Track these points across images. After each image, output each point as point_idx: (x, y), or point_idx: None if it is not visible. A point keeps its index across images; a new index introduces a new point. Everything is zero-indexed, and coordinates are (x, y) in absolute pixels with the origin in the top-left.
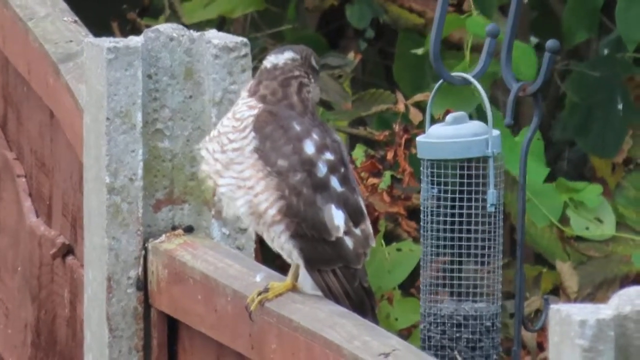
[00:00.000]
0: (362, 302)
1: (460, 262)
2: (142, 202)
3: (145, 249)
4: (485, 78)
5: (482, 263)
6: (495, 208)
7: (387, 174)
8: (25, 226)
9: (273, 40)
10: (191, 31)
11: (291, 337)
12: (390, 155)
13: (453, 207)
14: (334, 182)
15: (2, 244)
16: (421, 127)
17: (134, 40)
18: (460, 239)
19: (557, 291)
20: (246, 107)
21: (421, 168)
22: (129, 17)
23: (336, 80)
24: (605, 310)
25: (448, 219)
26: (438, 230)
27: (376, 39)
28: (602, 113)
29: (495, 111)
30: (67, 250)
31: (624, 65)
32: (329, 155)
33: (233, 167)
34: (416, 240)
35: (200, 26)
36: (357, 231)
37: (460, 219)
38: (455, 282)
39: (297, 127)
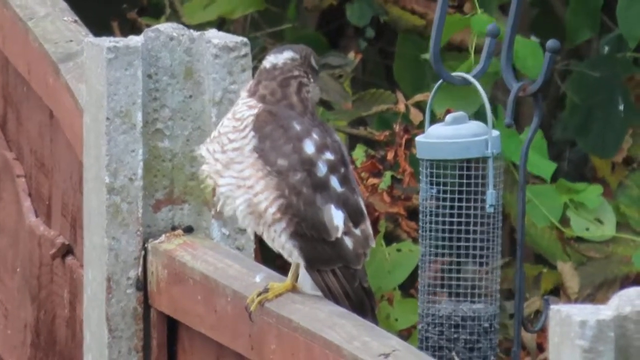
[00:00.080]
0: (361, 302)
1: (458, 263)
2: (141, 202)
3: (145, 249)
4: (486, 78)
5: (481, 264)
6: (494, 209)
7: (388, 174)
8: (25, 226)
9: (273, 39)
10: (191, 31)
11: (291, 337)
12: (390, 156)
13: (452, 207)
14: (334, 182)
15: (1, 244)
16: (421, 127)
17: (134, 40)
18: (459, 239)
19: (557, 291)
20: (246, 107)
21: (420, 168)
22: (129, 16)
23: (336, 80)
24: (606, 311)
25: (447, 219)
26: (437, 231)
27: (376, 38)
28: (602, 113)
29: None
30: (67, 251)
31: (625, 64)
32: (329, 155)
33: (233, 166)
34: (416, 240)
35: (200, 26)
36: (357, 231)
37: (459, 220)
38: (453, 282)
39: (297, 127)
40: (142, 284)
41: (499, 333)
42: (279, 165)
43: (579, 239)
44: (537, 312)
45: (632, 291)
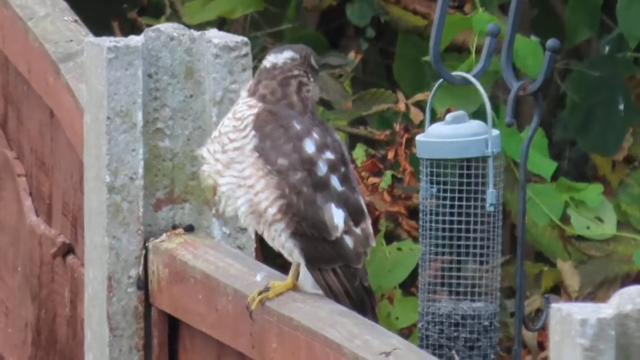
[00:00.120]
0: (362, 301)
1: (458, 262)
2: (142, 202)
3: (146, 248)
4: (486, 77)
5: (481, 262)
6: (495, 208)
7: (388, 173)
8: (26, 225)
9: (273, 39)
10: (192, 30)
11: (292, 336)
12: (390, 155)
13: (452, 206)
14: (334, 181)
15: (2, 243)
16: (422, 126)
17: (135, 40)
18: (459, 238)
19: (558, 289)
20: (246, 107)
21: (420, 167)
22: (130, 16)
23: (337, 80)
24: (606, 309)
25: (447, 218)
26: (437, 230)
27: (377, 38)
28: (602, 112)
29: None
30: (68, 250)
31: (625, 64)
32: (329, 155)
33: (234, 166)
34: (416, 239)
35: (200, 25)
36: (358, 230)
37: (460, 219)
38: (453, 281)
39: (297, 126)
40: (143, 283)
41: (499, 331)
42: (279, 164)
43: (580, 238)
44: (538, 311)
45: (632, 289)
